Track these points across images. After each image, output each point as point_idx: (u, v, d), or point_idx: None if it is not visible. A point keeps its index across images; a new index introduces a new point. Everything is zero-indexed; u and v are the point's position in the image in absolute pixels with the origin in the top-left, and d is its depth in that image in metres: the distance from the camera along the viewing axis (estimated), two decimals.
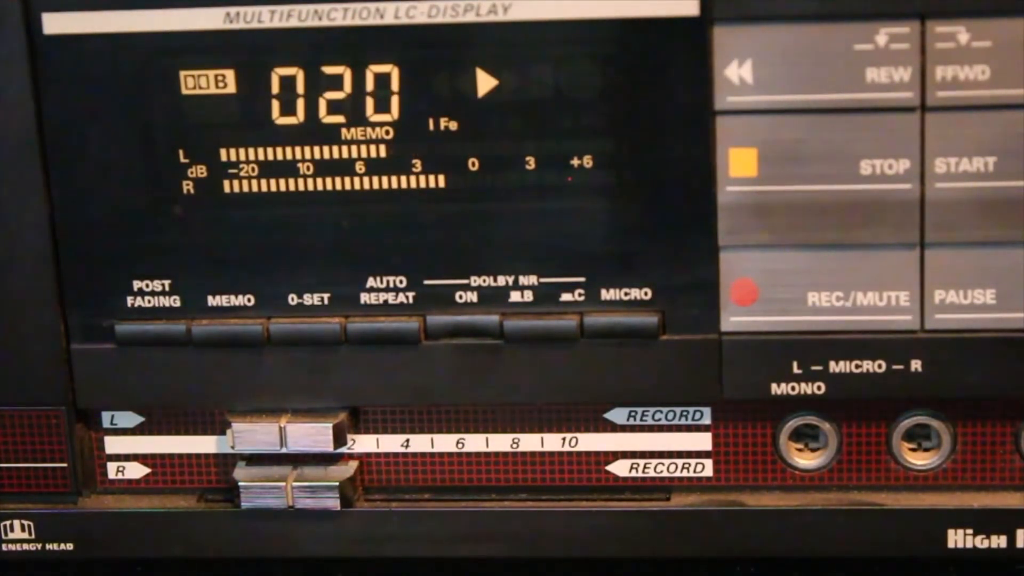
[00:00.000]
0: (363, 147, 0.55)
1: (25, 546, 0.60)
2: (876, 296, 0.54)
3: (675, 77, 0.53)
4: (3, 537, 0.60)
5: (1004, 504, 0.56)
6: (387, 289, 0.56)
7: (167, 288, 0.57)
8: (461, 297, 0.56)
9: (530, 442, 0.58)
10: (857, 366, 0.55)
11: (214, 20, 0.54)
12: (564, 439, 0.58)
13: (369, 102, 0.55)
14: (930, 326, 0.54)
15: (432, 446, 0.58)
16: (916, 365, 0.55)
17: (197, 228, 0.56)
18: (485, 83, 0.54)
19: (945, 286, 0.54)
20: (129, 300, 0.57)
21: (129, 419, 0.59)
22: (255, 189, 0.56)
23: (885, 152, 0.53)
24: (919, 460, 0.57)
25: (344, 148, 0.55)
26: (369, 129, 0.55)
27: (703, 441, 0.58)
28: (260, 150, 0.55)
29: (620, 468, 0.58)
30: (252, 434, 0.57)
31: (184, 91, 0.55)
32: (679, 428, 0.58)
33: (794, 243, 0.54)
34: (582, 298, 0.56)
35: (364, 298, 0.56)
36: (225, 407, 0.58)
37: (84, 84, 0.55)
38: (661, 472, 0.58)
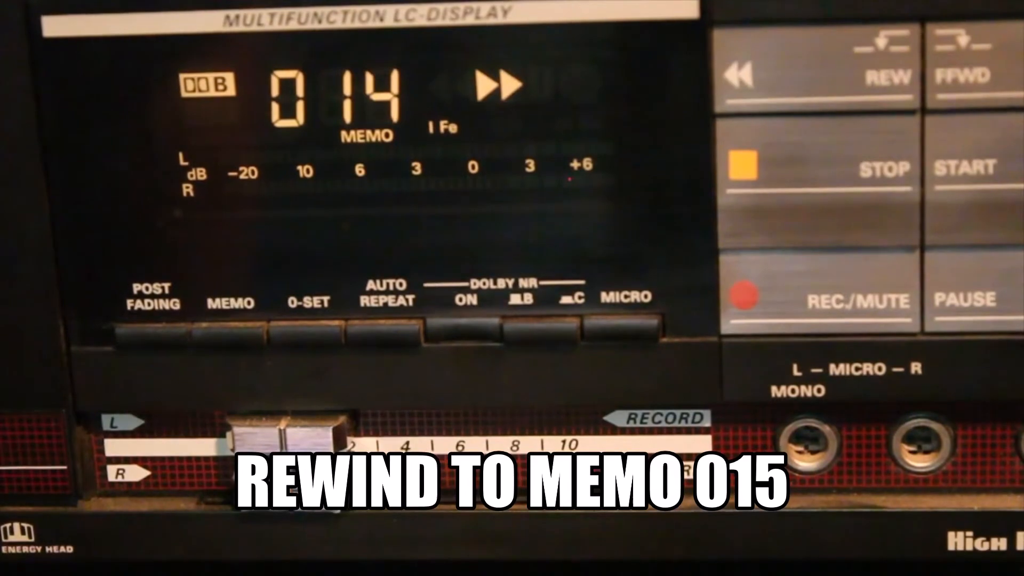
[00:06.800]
0: (363, 150, 0.55)
1: (25, 548, 0.60)
2: (876, 298, 0.54)
3: (675, 80, 0.53)
4: (3, 539, 0.59)
5: (1004, 506, 0.56)
6: (387, 292, 0.56)
7: (167, 291, 0.57)
8: (461, 300, 0.56)
9: (530, 444, 0.58)
10: (857, 368, 0.55)
11: (214, 23, 0.54)
12: (564, 441, 0.58)
13: (369, 105, 0.55)
14: (930, 328, 0.54)
15: (432, 448, 0.58)
16: (916, 367, 0.55)
17: (197, 231, 0.56)
18: (485, 86, 0.54)
19: (945, 288, 0.54)
20: (129, 303, 0.57)
21: (129, 422, 0.59)
22: (255, 192, 0.56)
23: (885, 155, 0.53)
24: (919, 462, 0.57)
25: (344, 151, 0.55)
26: (369, 132, 0.55)
27: (703, 443, 0.58)
28: (260, 152, 0.55)
29: None
30: (252, 437, 0.57)
31: (184, 94, 0.55)
32: (679, 431, 0.58)
33: (794, 245, 0.54)
34: (582, 301, 0.55)
35: (364, 301, 0.56)
36: (225, 410, 0.58)
37: (84, 87, 0.55)
38: None
